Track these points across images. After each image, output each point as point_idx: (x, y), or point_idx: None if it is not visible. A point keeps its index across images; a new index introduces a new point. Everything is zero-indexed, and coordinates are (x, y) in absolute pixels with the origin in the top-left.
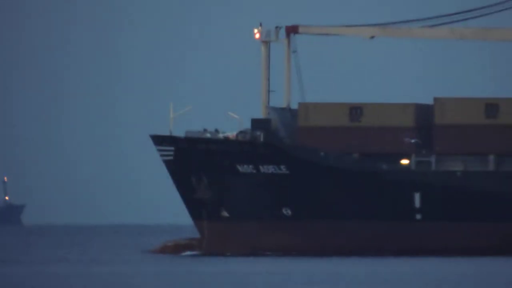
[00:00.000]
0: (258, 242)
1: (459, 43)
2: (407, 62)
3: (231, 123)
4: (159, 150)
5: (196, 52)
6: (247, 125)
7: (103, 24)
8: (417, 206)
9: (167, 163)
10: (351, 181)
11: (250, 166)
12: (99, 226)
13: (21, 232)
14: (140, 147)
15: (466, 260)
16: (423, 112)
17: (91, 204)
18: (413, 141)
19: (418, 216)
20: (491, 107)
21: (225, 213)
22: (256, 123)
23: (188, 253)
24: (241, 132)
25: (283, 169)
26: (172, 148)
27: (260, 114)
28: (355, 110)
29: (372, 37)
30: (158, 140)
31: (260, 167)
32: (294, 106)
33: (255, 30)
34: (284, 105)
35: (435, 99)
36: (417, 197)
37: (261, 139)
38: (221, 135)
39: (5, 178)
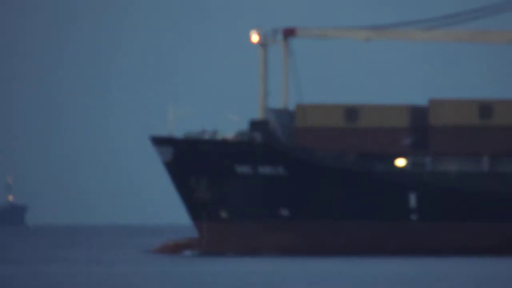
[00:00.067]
0: (257, 242)
1: (454, 45)
2: (403, 64)
3: (230, 125)
4: (159, 151)
5: (195, 54)
6: (245, 126)
7: (104, 26)
8: (412, 207)
9: (167, 164)
10: (347, 181)
11: (249, 166)
12: (101, 226)
13: (24, 232)
14: (140, 148)
15: (461, 260)
16: (419, 114)
17: (93, 204)
18: (408, 141)
19: (414, 216)
20: (486, 108)
21: (224, 214)
22: (254, 125)
23: (187, 253)
24: (239, 133)
25: (281, 170)
26: (172, 149)
27: (258, 115)
28: (352, 112)
29: (368, 39)
30: (158, 141)
31: (258, 167)
32: (292, 107)
33: (253, 33)
34: (281, 106)
35: (430, 101)
36: (412, 198)
37: (259, 140)
38: (219, 136)
39: (9, 179)
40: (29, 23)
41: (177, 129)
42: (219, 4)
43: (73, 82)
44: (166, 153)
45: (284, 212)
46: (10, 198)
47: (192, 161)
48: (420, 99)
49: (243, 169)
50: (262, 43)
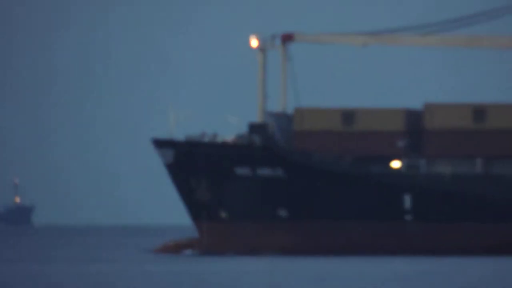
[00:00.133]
0: (256, 242)
1: (448, 50)
2: (399, 69)
3: (229, 128)
4: (160, 153)
5: (196, 59)
6: (244, 129)
7: (105, 30)
8: (407, 207)
9: (168, 166)
10: (344, 183)
11: (248, 168)
12: (105, 226)
13: (29, 232)
14: (142, 150)
15: (454, 260)
16: (414, 117)
17: (96, 205)
18: (403, 144)
19: (408, 217)
20: (479, 112)
21: (223, 214)
22: (253, 128)
23: (188, 252)
24: (238, 136)
25: (279, 172)
26: (173, 151)
27: (257, 118)
28: (348, 115)
29: (365, 44)
30: (159, 143)
31: (257, 169)
32: (290, 111)
33: (252, 38)
34: (280, 110)
35: (425, 105)
36: (407, 199)
37: (258, 142)
38: (219, 139)
39: (16, 180)
40: (28, 20)
41: (178, 132)
42: (220, 9)
43: (77, 85)
44: (167, 155)
45: (283, 212)
46: (17, 199)
47: (192, 163)
48: (415, 103)
49: (242, 170)
50: (261, 48)
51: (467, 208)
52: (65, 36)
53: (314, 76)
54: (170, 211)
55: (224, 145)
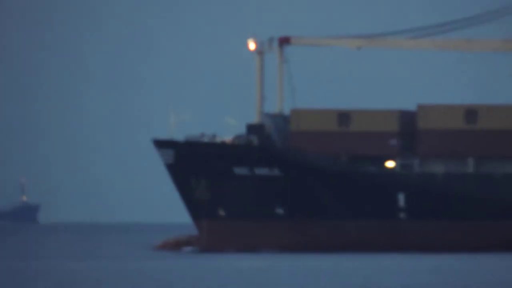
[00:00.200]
0: (253, 239)
1: (441, 53)
2: (392, 71)
3: (228, 128)
4: (161, 154)
5: (195, 62)
6: (242, 130)
7: (106, 32)
8: (401, 206)
9: (168, 166)
10: (339, 182)
11: (246, 168)
12: (108, 224)
13: (34, 230)
14: (144, 151)
15: (446, 256)
16: (407, 118)
17: (100, 203)
18: (395, 143)
19: (402, 215)
20: (471, 113)
21: (222, 212)
22: (251, 128)
23: (188, 249)
24: (237, 136)
25: (276, 171)
26: (173, 151)
27: (255, 120)
28: (344, 116)
29: (360, 47)
30: (160, 144)
31: (255, 169)
32: (287, 112)
33: (250, 41)
34: (277, 111)
35: (419, 106)
36: (401, 197)
37: (256, 143)
38: (218, 140)
39: (23, 180)
40: (25, 19)
41: (178, 133)
42: (219, 13)
43: (80, 86)
44: (168, 155)
45: (279, 211)
46: (24, 198)
47: (192, 163)
48: (408, 105)
49: (240, 170)
50: (259, 51)
51: (459, 206)
52: (68, 37)
53: (310, 78)
54: (171, 210)
55: (222, 146)
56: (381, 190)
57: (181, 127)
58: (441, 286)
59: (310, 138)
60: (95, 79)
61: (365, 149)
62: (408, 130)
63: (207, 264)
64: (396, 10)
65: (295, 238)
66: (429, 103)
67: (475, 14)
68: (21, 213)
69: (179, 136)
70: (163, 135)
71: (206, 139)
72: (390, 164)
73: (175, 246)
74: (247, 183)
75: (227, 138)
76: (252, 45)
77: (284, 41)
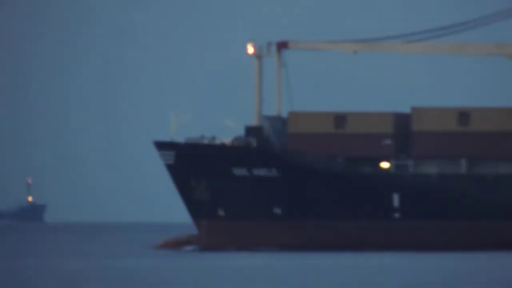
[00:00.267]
0: (252, 239)
1: (434, 57)
2: (387, 75)
3: (227, 130)
4: (162, 155)
5: (195, 65)
6: (241, 132)
7: (106, 36)
8: (395, 206)
9: (169, 167)
10: (336, 182)
11: (244, 169)
12: (110, 223)
13: (39, 230)
14: (145, 152)
15: (441, 256)
16: (402, 120)
17: (103, 204)
18: (389, 142)
19: (397, 215)
20: (463, 115)
21: (221, 212)
22: (250, 130)
23: (188, 248)
24: (236, 138)
25: (275, 172)
26: (173, 152)
27: (254, 122)
28: (340, 119)
29: (356, 51)
30: (161, 145)
31: (254, 170)
32: (285, 114)
33: (249, 46)
34: (275, 113)
35: (413, 108)
36: (395, 198)
37: (254, 144)
38: (218, 141)
39: (30, 180)
40: (35, 29)
41: (179, 135)
42: (218, 18)
43: (80, 87)
44: (168, 157)
45: (277, 211)
46: (30, 198)
47: (192, 164)
48: (403, 107)
49: (239, 171)
50: (257, 55)
51: (452, 206)
52: (68, 38)
53: (308, 82)
54: (171, 210)
55: (222, 147)
56: (376, 190)
57: (182, 129)
58: (437, 284)
59: (307, 139)
60: (98, 81)
61: (361, 151)
62: (403, 132)
63: (207, 262)
64: (391, 16)
65: (292, 237)
66: (423, 105)
67: (468, 19)
68: (27, 213)
69: (180, 138)
70: (164, 137)
71: (206, 141)
72: (385, 165)
73: (176, 245)
74: (246, 183)
75: (227, 139)
76: (251, 49)
77: (282, 46)
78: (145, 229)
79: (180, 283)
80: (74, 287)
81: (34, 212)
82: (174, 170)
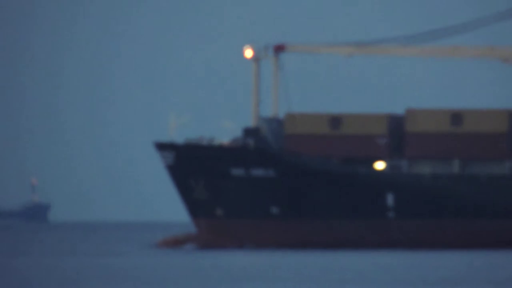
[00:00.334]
0: (249, 238)
1: (429, 60)
2: (382, 77)
3: (225, 132)
4: (162, 156)
5: (194, 67)
6: (239, 133)
7: (106, 36)
8: (390, 205)
9: (169, 167)
10: (331, 183)
11: (242, 169)
12: (113, 222)
13: (43, 228)
14: (145, 153)
15: (434, 254)
16: (396, 121)
17: (105, 203)
18: (384, 141)
19: (391, 214)
20: (456, 117)
21: (219, 212)
22: (248, 132)
23: (187, 246)
24: (234, 139)
25: (272, 172)
26: (173, 153)
27: (251, 123)
28: (336, 120)
29: (351, 54)
30: (161, 146)
31: (251, 170)
32: (282, 116)
33: (246, 49)
34: (272, 115)
35: (407, 110)
36: (390, 197)
37: (252, 145)
38: (216, 142)
39: (34, 180)
40: (35, 29)
41: (178, 136)
42: (217, 22)
43: (82, 88)
44: (168, 157)
45: (274, 210)
46: (35, 198)
47: (191, 164)
48: (397, 109)
49: (237, 171)
50: (255, 58)
51: (445, 206)
52: (68, 37)
53: (304, 84)
54: (171, 209)
55: (220, 148)
56: (371, 190)
57: (181, 131)
58: (432, 281)
59: (303, 140)
60: (98, 82)
61: (356, 151)
62: (397, 133)
63: (206, 260)
64: (386, 19)
65: (289, 236)
66: (417, 107)
67: (462, 22)
68: (32, 212)
69: (179, 139)
70: (164, 138)
71: (204, 142)
72: (379, 165)
73: (175, 243)
74: (244, 183)
75: (225, 141)
76: (248, 53)
77: (279, 49)
78: (145, 228)
79: (179, 281)
80: (72, 285)
81: (38, 212)
82: (174, 170)
